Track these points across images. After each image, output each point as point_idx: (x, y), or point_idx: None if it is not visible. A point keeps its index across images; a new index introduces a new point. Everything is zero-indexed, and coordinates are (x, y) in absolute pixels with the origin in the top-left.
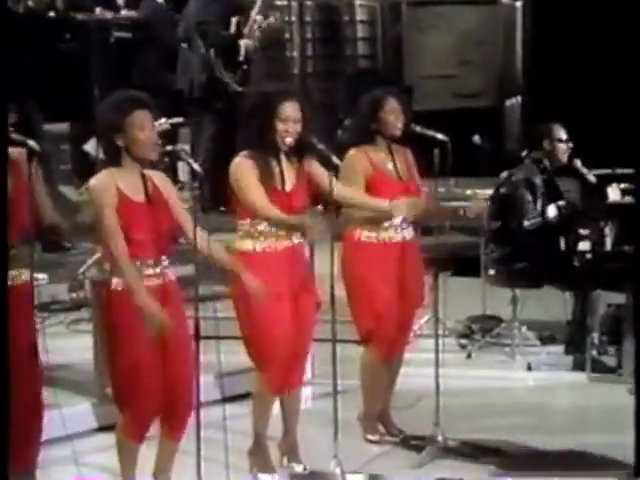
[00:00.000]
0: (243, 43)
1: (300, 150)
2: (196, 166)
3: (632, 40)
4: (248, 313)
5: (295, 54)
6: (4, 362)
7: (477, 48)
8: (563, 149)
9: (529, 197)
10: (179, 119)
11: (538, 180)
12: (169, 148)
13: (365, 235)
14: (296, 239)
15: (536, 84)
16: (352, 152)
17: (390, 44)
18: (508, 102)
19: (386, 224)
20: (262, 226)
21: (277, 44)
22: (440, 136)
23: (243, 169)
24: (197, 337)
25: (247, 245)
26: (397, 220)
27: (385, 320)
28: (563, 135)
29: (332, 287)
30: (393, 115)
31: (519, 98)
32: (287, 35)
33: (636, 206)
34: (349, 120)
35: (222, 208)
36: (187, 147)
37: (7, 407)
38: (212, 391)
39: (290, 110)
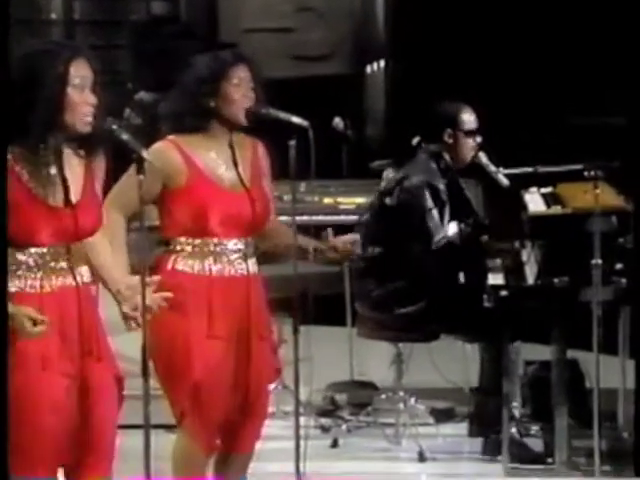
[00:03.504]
0: None
1: (92, 139)
2: None
3: None
4: None
5: None
6: (4, 360)
7: None
8: (470, 145)
9: (434, 209)
10: None
11: (441, 185)
12: None
13: (183, 264)
14: (85, 275)
15: (404, 44)
16: (158, 145)
17: None
18: (369, 69)
19: (217, 247)
20: (24, 255)
21: None
22: (297, 120)
23: None
24: None
25: None
26: (232, 243)
27: (212, 391)
28: (473, 124)
29: (144, 347)
30: (241, 91)
31: (382, 63)
32: None
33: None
34: (146, 95)
35: None
36: None
37: (7, 407)
38: None
39: (83, 69)
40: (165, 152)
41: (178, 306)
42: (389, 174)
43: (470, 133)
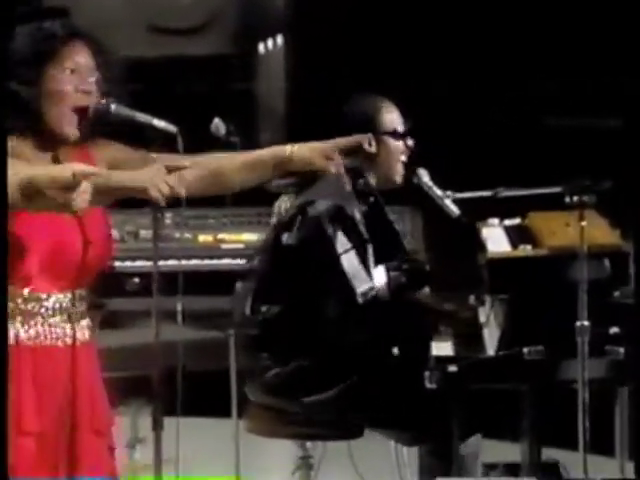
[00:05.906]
0: None
1: None
2: None
3: None
4: None
5: None
6: (4, 363)
7: None
8: (398, 154)
9: (351, 249)
10: None
11: (358, 214)
12: None
13: None
14: None
15: (312, 13)
16: None
17: None
18: (262, 48)
19: (29, 303)
20: None
21: None
22: (160, 124)
23: None
24: None
25: None
26: (54, 297)
27: None
28: (399, 123)
29: None
30: (74, 81)
31: (280, 40)
32: None
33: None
34: None
35: None
36: None
37: (6, 407)
38: None
39: None
40: None
41: None
42: (282, 204)
43: (399, 136)
